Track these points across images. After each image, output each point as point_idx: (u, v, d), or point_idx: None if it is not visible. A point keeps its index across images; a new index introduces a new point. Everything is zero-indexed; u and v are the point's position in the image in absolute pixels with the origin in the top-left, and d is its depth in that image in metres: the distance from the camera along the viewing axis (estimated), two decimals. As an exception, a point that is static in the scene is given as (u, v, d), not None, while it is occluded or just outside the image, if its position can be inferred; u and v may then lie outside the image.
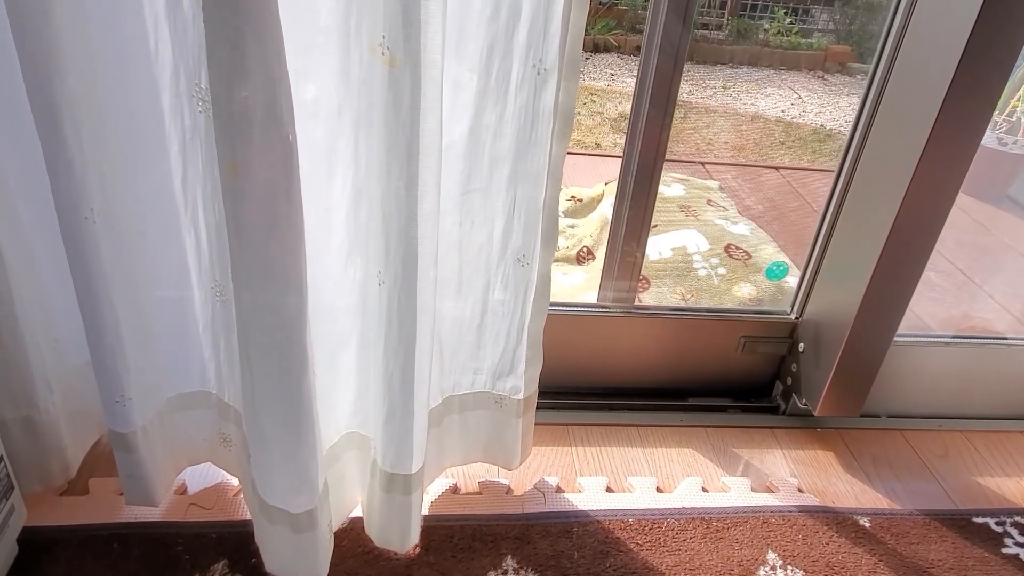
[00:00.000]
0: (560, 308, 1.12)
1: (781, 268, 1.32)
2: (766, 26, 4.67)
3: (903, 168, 0.94)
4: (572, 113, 0.74)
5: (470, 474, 1.01)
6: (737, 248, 1.50)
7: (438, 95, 0.63)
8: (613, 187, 1.88)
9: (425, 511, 0.93)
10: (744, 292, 1.39)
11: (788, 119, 3.71)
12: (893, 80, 0.97)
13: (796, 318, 1.16)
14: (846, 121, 3.79)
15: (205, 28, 0.55)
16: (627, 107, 3.60)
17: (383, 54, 0.61)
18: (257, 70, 0.54)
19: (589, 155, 2.61)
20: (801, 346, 1.15)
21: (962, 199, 1.01)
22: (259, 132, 0.56)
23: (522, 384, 0.91)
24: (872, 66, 1.01)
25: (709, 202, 1.75)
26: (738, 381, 1.21)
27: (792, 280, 1.37)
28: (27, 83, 0.62)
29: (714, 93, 4.01)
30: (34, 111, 0.64)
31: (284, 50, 0.55)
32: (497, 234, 0.81)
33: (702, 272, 1.45)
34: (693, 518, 0.96)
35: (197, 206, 0.76)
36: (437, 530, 0.91)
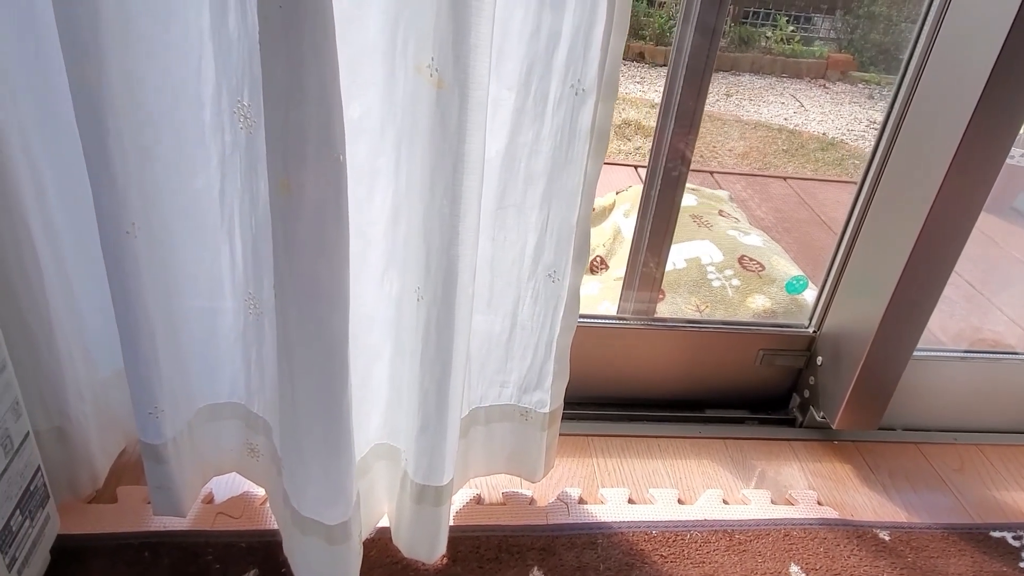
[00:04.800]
0: (581, 320, 1.12)
1: (801, 282, 1.33)
2: (768, 34, 4.70)
3: (929, 183, 0.95)
4: (608, 133, 0.75)
5: (493, 484, 1.01)
6: (751, 260, 1.51)
7: (483, 115, 0.64)
8: (624, 196, 1.90)
9: (451, 521, 0.94)
10: (758, 304, 1.40)
11: (791, 127, 3.74)
12: (919, 95, 0.98)
13: (814, 331, 1.17)
14: (848, 130, 3.81)
15: (261, 48, 0.56)
16: (630, 113, 3.62)
17: (431, 75, 0.62)
18: (313, 91, 0.55)
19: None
20: (819, 359, 1.16)
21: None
22: (312, 152, 0.57)
23: (548, 398, 0.91)
24: (897, 79, 1.02)
25: (720, 212, 1.76)
26: (755, 393, 1.22)
27: (809, 294, 1.38)
28: (75, 100, 0.63)
29: (717, 100, 4.03)
30: (80, 127, 0.64)
31: (339, 71, 0.56)
32: (529, 250, 0.82)
33: (716, 283, 1.46)
34: (715, 530, 0.97)
35: (234, 220, 0.77)
36: (463, 540, 0.91)
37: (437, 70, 0.61)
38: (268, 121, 0.58)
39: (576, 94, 0.72)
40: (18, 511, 0.73)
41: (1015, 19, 0.85)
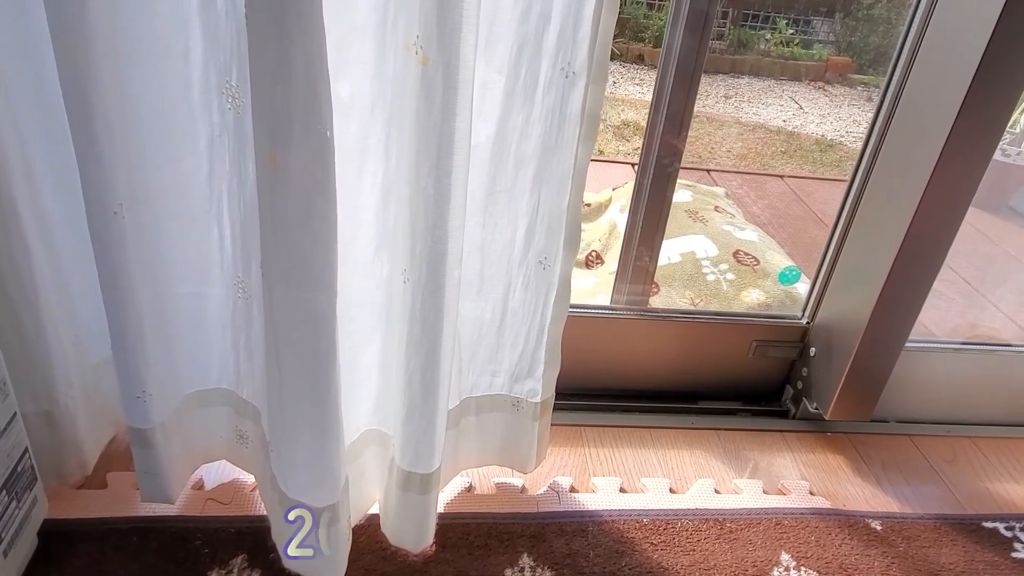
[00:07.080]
0: (574, 310, 1.12)
1: (794, 273, 1.33)
2: (768, 36, 4.70)
3: (917, 178, 0.95)
4: (598, 116, 0.75)
5: (485, 473, 1.01)
6: (745, 254, 1.51)
7: (469, 95, 0.64)
8: (621, 192, 1.90)
9: (441, 509, 0.93)
10: (753, 297, 1.40)
11: (790, 129, 3.74)
12: (907, 92, 0.99)
13: (808, 323, 1.17)
14: (847, 132, 3.82)
15: (247, 23, 0.56)
16: (629, 114, 3.62)
17: (416, 52, 0.62)
18: (300, 67, 0.55)
19: (594, 161, 2.62)
20: (812, 351, 1.16)
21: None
22: (299, 127, 0.57)
23: (539, 387, 0.91)
24: (886, 78, 1.03)
25: (716, 208, 1.76)
26: (748, 384, 1.22)
27: (802, 286, 1.38)
28: (62, 78, 0.63)
29: (716, 102, 4.03)
30: (67, 105, 0.64)
31: (326, 47, 0.56)
32: (520, 236, 0.82)
33: (711, 277, 1.46)
34: (707, 519, 0.97)
35: (222, 202, 0.77)
36: (453, 527, 0.91)
37: (422, 47, 0.61)
38: (255, 96, 0.58)
39: (566, 76, 0.72)
40: (4, 492, 0.73)
41: (999, 18, 0.85)
